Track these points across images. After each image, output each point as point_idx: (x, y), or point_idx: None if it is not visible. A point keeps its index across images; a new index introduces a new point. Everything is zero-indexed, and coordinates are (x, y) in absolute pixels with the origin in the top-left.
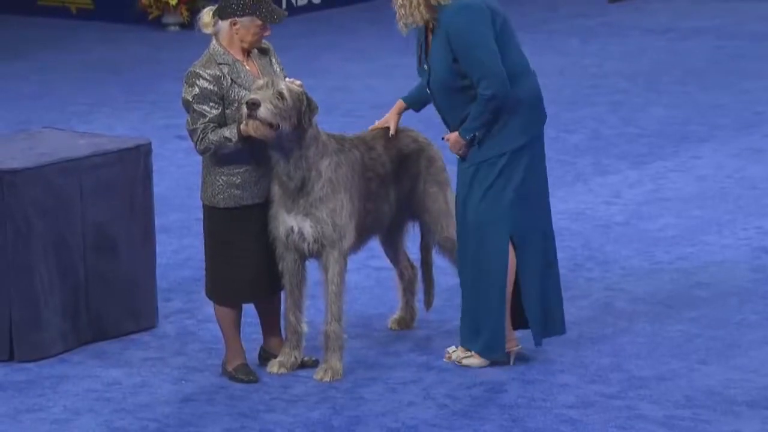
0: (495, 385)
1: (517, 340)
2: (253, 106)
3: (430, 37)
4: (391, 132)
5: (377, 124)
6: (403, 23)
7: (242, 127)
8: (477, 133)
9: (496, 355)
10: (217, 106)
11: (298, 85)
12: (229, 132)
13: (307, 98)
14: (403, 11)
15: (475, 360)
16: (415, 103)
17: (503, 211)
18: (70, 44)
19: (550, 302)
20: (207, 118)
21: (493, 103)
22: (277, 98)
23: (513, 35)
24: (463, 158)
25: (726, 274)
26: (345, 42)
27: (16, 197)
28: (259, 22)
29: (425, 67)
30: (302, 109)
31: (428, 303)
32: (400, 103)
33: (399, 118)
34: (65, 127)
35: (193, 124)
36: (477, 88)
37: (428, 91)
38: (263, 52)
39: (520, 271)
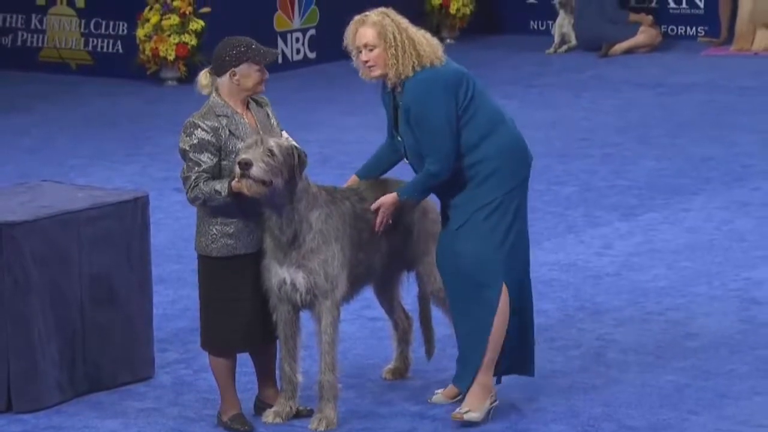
0: None
1: (495, 393)
2: (246, 165)
3: (399, 105)
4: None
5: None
6: (379, 72)
7: (234, 183)
8: (412, 199)
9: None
10: (213, 157)
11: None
12: (220, 186)
13: (297, 152)
14: (394, 52)
15: (474, 414)
16: (371, 174)
17: (496, 257)
18: (70, 99)
19: (516, 342)
20: (201, 168)
21: (434, 180)
22: (268, 155)
23: (483, 92)
24: (384, 222)
25: (715, 325)
26: (340, 95)
27: (14, 249)
28: (256, 66)
29: (398, 138)
30: (293, 164)
31: (429, 352)
32: (354, 179)
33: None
34: (64, 180)
35: (187, 172)
36: (425, 162)
37: (406, 161)
38: (260, 104)
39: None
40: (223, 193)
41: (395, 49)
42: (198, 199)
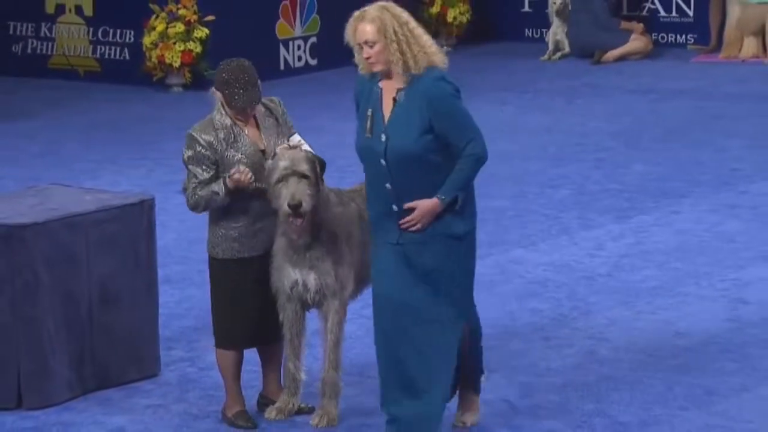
0: (483, 431)
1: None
2: (297, 207)
3: (389, 105)
4: None
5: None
6: (381, 67)
7: (228, 180)
8: (459, 195)
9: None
10: (209, 169)
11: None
12: (217, 187)
13: (317, 160)
14: (397, 47)
15: (474, 417)
16: None
17: (469, 294)
18: (78, 105)
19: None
20: (198, 180)
21: (480, 164)
22: (304, 182)
23: None
24: (418, 231)
25: (705, 324)
26: (340, 101)
27: (24, 251)
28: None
29: (382, 137)
30: (318, 172)
31: None
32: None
33: None
34: (72, 183)
35: (186, 184)
36: (463, 151)
37: (382, 162)
38: (270, 110)
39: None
40: (220, 193)
41: (398, 44)
42: (199, 206)
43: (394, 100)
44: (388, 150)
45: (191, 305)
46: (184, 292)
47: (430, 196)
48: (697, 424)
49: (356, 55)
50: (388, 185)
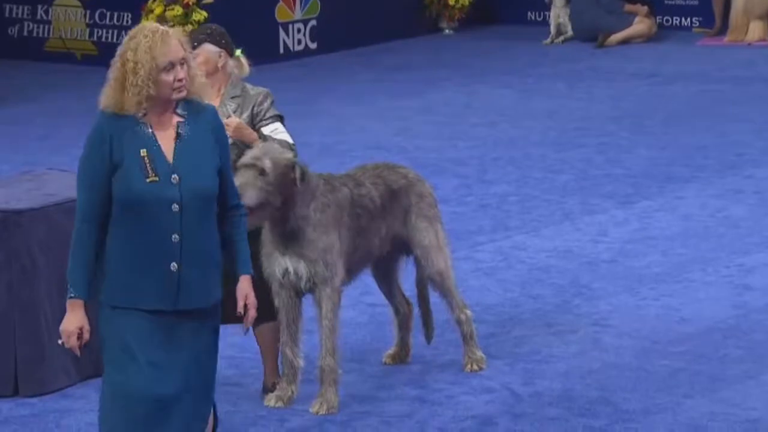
0: (486, 419)
1: None
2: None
3: (169, 142)
4: (86, 334)
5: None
6: (186, 93)
7: None
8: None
9: None
10: None
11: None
12: None
13: (299, 166)
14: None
15: None
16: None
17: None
18: (75, 89)
19: None
20: None
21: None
22: (259, 177)
23: None
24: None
25: (709, 310)
26: (339, 85)
27: (21, 236)
28: None
29: (173, 178)
30: (293, 178)
31: (428, 336)
32: (81, 303)
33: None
34: (69, 168)
35: None
36: (233, 201)
37: (174, 208)
38: (245, 92)
39: None
40: None
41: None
42: None
43: (179, 134)
44: (184, 192)
45: None
46: None
47: (209, 249)
48: (701, 411)
49: (152, 77)
50: (175, 237)
